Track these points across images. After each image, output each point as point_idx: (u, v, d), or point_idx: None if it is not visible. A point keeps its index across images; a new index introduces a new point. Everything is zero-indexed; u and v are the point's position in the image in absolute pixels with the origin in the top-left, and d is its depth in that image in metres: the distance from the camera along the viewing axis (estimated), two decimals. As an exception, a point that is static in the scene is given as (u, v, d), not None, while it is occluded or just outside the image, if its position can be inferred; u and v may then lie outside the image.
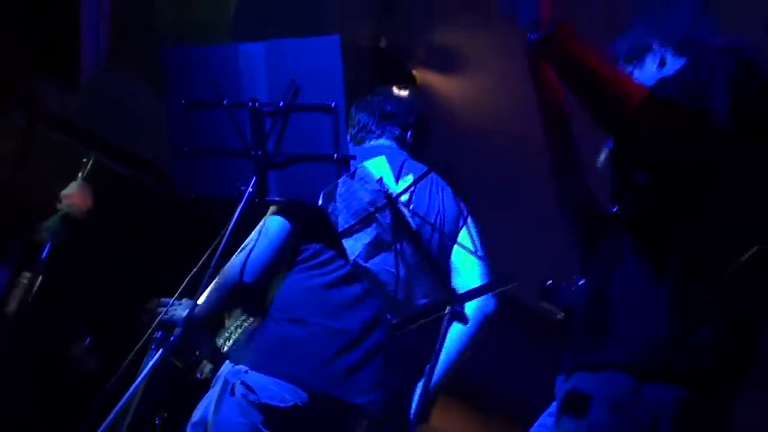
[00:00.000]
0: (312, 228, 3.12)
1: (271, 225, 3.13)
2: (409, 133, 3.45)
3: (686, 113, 2.25)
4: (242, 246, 3.16)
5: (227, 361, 3.11)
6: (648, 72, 2.54)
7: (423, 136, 3.50)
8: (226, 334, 3.21)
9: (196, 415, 3.07)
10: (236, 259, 3.13)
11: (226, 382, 3.02)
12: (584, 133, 2.48)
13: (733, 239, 2.26)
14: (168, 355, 3.32)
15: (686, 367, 2.22)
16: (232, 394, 2.97)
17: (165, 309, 3.18)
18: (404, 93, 3.58)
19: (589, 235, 2.52)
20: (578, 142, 2.52)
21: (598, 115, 2.28)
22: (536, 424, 2.73)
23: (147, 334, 3.18)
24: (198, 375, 3.67)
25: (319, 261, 3.14)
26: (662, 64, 2.53)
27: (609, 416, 2.21)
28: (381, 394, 3.13)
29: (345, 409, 3.08)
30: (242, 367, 3.01)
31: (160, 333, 3.22)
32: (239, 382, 2.99)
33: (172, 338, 3.18)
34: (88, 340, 4.71)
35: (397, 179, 3.23)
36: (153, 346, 3.13)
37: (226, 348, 3.17)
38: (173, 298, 3.16)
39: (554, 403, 2.47)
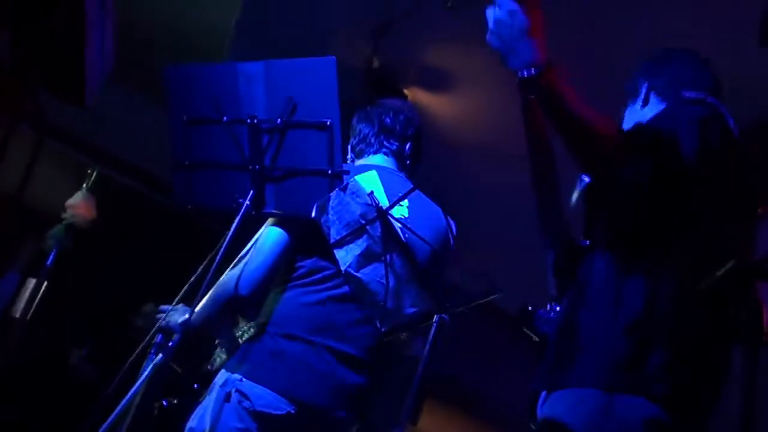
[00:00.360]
0: (309, 243, 3.17)
1: (269, 236, 3.18)
2: (407, 146, 3.49)
3: (653, 154, 2.37)
4: (239, 257, 3.22)
5: (222, 370, 3.18)
6: (633, 109, 2.76)
7: (419, 150, 3.54)
8: (242, 330, 3.26)
9: (193, 421, 3.12)
10: (232, 272, 3.19)
11: (221, 389, 3.08)
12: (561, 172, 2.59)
13: (694, 267, 2.37)
14: (167, 360, 3.41)
15: (649, 386, 2.30)
16: (228, 400, 3.04)
17: (164, 315, 3.25)
18: (403, 106, 3.63)
19: (566, 265, 2.64)
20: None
21: (575, 151, 2.35)
22: None
23: (146, 340, 3.25)
24: (209, 367, 3.75)
25: (315, 279, 3.20)
26: (645, 103, 2.72)
27: None
28: (367, 408, 3.23)
29: (334, 421, 3.16)
30: (237, 376, 3.07)
31: (159, 338, 3.29)
32: (234, 390, 3.05)
33: (170, 344, 3.27)
34: (85, 349, 4.80)
35: (391, 199, 3.24)
36: (152, 351, 3.20)
37: (242, 341, 3.23)
38: (172, 305, 3.23)
39: None
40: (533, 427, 2.59)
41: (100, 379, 5.03)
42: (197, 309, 3.21)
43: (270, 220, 3.22)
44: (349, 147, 3.55)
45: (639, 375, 2.30)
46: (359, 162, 3.47)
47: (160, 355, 3.28)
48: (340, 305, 3.18)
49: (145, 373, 3.21)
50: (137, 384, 3.17)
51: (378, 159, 3.47)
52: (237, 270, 3.16)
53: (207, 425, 3.04)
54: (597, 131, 2.32)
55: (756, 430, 1.96)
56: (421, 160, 3.57)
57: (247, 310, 3.39)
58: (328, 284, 3.20)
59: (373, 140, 3.48)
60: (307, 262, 3.22)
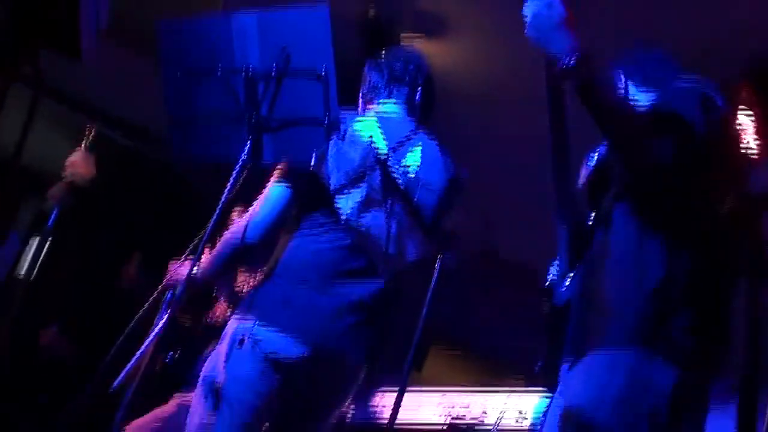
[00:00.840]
0: (314, 196, 3.19)
1: (273, 192, 3.20)
2: (417, 94, 3.47)
3: (673, 134, 2.47)
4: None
5: (232, 318, 3.20)
6: None
7: (431, 97, 3.52)
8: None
9: (206, 370, 3.14)
10: (238, 224, 3.21)
11: (233, 336, 3.11)
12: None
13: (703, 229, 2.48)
14: (174, 314, 3.45)
15: (677, 349, 2.38)
16: (240, 346, 3.06)
17: (172, 271, 3.26)
18: (413, 54, 3.61)
19: (577, 240, 2.68)
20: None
21: (611, 136, 2.45)
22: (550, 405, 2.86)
23: (155, 295, 3.27)
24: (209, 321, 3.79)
25: (322, 230, 3.21)
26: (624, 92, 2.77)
27: (623, 391, 2.36)
28: (374, 355, 3.25)
29: (344, 365, 3.20)
30: (249, 322, 3.09)
31: (169, 294, 3.32)
32: (246, 335, 3.07)
33: (175, 297, 3.31)
34: (55, 326, 4.83)
35: (391, 145, 3.24)
36: (164, 307, 3.22)
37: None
38: (180, 260, 3.24)
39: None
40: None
41: (76, 356, 5.07)
42: (203, 262, 3.24)
43: (274, 178, 3.23)
44: (360, 95, 3.54)
45: (667, 338, 2.38)
46: (369, 110, 3.45)
47: (170, 310, 3.33)
48: (347, 254, 3.18)
49: (156, 328, 3.25)
50: (149, 339, 3.20)
51: (388, 107, 3.45)
52: (243, 221, 3.18)
53: (220, 372, 3.07)
54: (632, 117, 2.43)
55: (762, 362, 1.99)
56: (433, 108, 3.54)
57: (252, 260, 3.43)
58: (335, 234, 3.20)
59: (382, 88, 3.46)
60: (314, 214, 3.23)
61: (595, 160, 2.73)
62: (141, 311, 3.20)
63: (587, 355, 2.46)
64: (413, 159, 3.31)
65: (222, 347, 3.13)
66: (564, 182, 2.59)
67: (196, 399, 3.14)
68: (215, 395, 3.05)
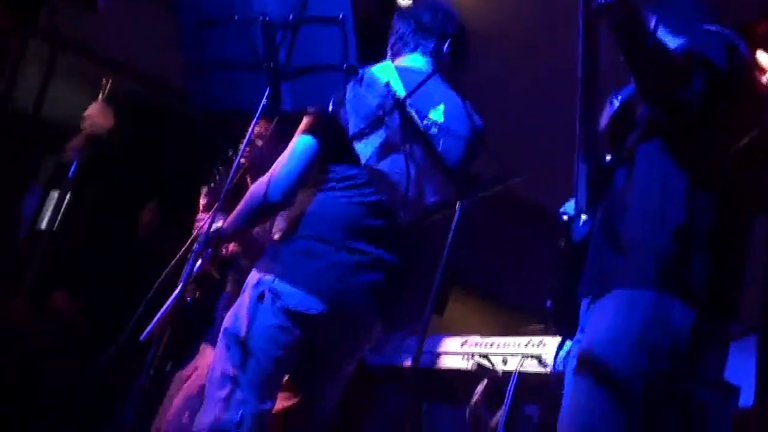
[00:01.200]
0: (339, 149, 3.18)
1: (299, 143, 3.19)
2: (445, 46, 3.41)
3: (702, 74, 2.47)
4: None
5: (254, 271, 3.23)
6: None
7: (461, 49, 3.46)
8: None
9: (228, 322, 3.18)
10: (262, 179, 3.21)
11: (254, 290, 3.14)
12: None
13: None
14: (204, 266, 3.48)
15: (696, 289, 2.39)
16: (261, 301, 3.10)
17: (201, 223, 3.28)
18: (442, 3, 3.53)
19: (597, 178, 2.67)
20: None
21: (642, 67, 2.44)
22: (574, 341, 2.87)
23: (185, 247, 3.30)
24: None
25: (347, 185, 3.21)
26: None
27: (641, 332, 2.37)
28: (389, 308, 3.29)
29: (363, 321, 3.24)
30: (270, 277, 3.12)
31: (198, 246, 3.35)
32: (267, 290, 3.11)
33: (207, 251, 3.35)
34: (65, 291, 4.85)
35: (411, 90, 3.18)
36: (191, 258, 3.25)
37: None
38: (210, 213, 3.24)
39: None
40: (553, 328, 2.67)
41: (86, 320, 5.10)
42: (230, 219, 3.26)
43: (300, 130, 3.22)
44: (388, 46, 3.50)
45: (686, 279, 2.39)
46: (396, 62, 3.41)
47: (199, 261, 3.36)
48: (370, 211, 3.19)
49: (184, 278, 3.29)
50: (177, 290, 3.23)
51: (414, 59, 3.41)
52: (266, 177, 3.18)
53: (243, 325, 3.10)
54: (666, 57, 2.44)
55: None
56: (464, 60, 3.50)
57: (276, 214, 3.44)
58: (360, 191, 3.21)
59: (409, 39, 3.42)
60: (339, 169, 3.23)
61: (619, 101, 2.72)
62: (171, 263, 3.22)
63: (606, 295, 2.47)
64: (437, 108, 3.29)
65: (244, 299, 3.16)
66: (589, 121, 2.57)
67: (218, 350, 3.18)
68: (239, 347, 3.08)
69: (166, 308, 3.30)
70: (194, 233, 3.39)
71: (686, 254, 2.40)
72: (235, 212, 3.28)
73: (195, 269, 3.25)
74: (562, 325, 2.74)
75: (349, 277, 3.14)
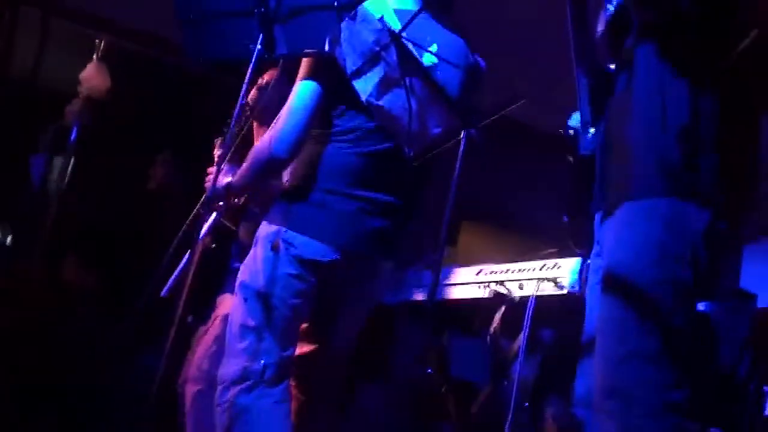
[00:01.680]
0: (343, 93, 3.13)
1: (300, 91, 3.14)
2: None
3: None
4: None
5: (264, 223, 3.23)
6: None
7: None
8: None
9: (243, 274, 3.19)
10: (267, 134, 3.18)
11: (267, 241, 3.15)
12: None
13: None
14: (218, 219, 3.49)
15: (706, 190, 2.33)
16: (276, 250, 3.11)
17: (212, 176, 3.28)
18: None
19: (599, 89, 2.63)
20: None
21: None
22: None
23: (201, 202, 3.30)
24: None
25: (355, 136, 3.19)
26: None
27: (661, 234, 2.33)
28: (397, 250, 3.30)
29: (375, 266, 3.27)
30: (282, 228, 3.13)
31: (210, 199, 3.35)
32: (281, 239, 3.12)
33: (222, 204, 3.35)
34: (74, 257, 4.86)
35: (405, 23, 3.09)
36: (203, 210, 3.25)
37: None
38: (219, 166, 3.23)
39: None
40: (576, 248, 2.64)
41: (100, 287, 5.13)
42: (238, 175, 3.27)
43: (300, 74, 3.16)
44: None
45: (696, 180, 2.33)
46: None
47: (215, 213, 3.37)
48: (376, 160, 3.18)
49: (202, 232, 3.30)
50: (194, 243, 3.25)
51: (404, 2, 3.30)
52: (269, 132, 3.16)
53: (259, 276, 3.12)
54: None
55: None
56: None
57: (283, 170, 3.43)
58: (368, 140, 3.19)
59: None
60: (341, 122, 3.20)
61: (614, 4, 2.65)
62: (189, 219, 3.23)
63: (618, 208, 2.42)
64: (431, 43, 3.24)
65: (257, 252, 3.17)
66: (582, 28, 2.53)
67: (236, 303, 3.20)
68: (257, 298, 3.11)
69: (185, 263, 3.32)
70: (206, 186, 3.38)
71: (693, 156, 2.34)
72: (242, 169, 3.27)
73: (211, 223, 3.27)
74: (580, 239, 2.72)
75: (358, 225, 3.15)
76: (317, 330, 3.32)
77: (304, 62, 3.16)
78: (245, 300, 3.14)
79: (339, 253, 3.12)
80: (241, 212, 4.18)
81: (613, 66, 2.62)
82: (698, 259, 2.32)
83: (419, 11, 3.04)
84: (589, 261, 2.75)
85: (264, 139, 3.18)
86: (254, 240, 3.24)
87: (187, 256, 3.32)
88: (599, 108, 2.60)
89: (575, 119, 2.72)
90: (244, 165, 3.26)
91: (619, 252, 2.39)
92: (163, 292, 3.32)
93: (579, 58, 2.51)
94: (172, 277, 3.38)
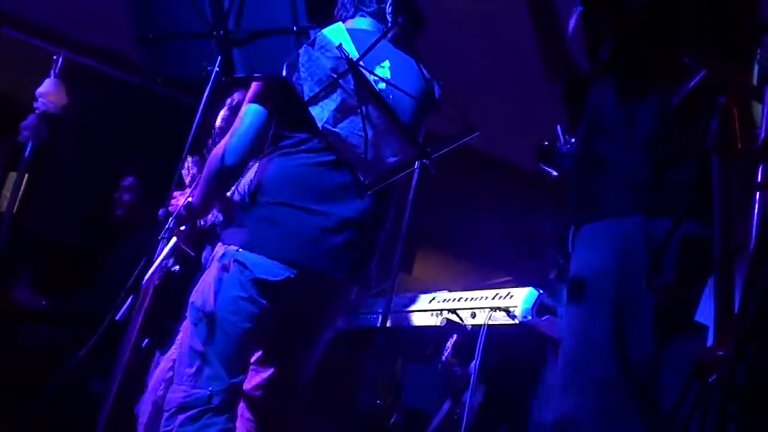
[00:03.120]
0: (292, 113, 3.17)
1: (249, 109, 3.17)
2: (387, 4, 3.36)
3: None
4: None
5: (218, 243, 3.22)
6: None
7: (406, 4, 3.41)
8: None
9: (195, 296, 3.17)
10: (216, 147, 3.20)
11: (219, 262, 3.13)
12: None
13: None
14: (179, 244, 3.46)
15: (678, 203, 2.32)
16: (227, 270, 3.09)
17: (172, 201, 3.27)
18: None
19: (575, 95, 2.63)
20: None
21: None
22: None
23: (161, 225, 3.28)
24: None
25: (303, 148, 3.20)
26: None
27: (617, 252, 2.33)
28: (360, 270, 3.27)
29: (333, 284, 3.21)
30: (233, 248, 3.11)
31: (173, 222, 3.33)
32: (233, 260, 3.09)
33: (183, 228, 3.33)
34: (23, 278, 4.81)
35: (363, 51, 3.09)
36: (165, 235, 3.24)
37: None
38: (175, 190, 3.24)
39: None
40: (562, 262, 2.62)
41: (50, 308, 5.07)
42: (196, 192, 3.27)
43: (247, 99, 3.21)
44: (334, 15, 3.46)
45: (666, 194, 2.33)
46: (347, 24, 3.35)
47: (174, 238, 3.34)
48: (329, 171, 3.18)
49: (161, 255, 3.27)
50: (154, 266, 3.22)
51: (359, 22, 3.38)
52: (221, 144, 3.17)
53: (209, 299, 3.09)
54: None
55: (732, 234, 1.98)
56: (414, 19, 3.45)
57: (234, 180, 3.43)
58: (316, 152, 3.19)
59: (348, 4, 3.40)
60: (294, 133, 3.21)
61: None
62: (153, 243, 3.21)
63: (589, 223, 2.42)
64: (383, 65, 3.26)
65: (209, 274, 3.15)
66: (550, 33, 2.51)
67: (186, 326, 3.17)
68: (206, 321, 3.07)
69: (142, 287, 3.28)
70: (168, 208, 3.36)
71: (660, 172, 2.35)
72: (199, 184, 3.28)
73: (170, 248, 3.24)
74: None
75: (316, 240, 3.12)
76: (273, 355, 3.27)
77: (253, 86, 3.19)
78: (195, 324, 3.10)
79: (293, 271, 3.08)
80: (208, 236, 4.17)
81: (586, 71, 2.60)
82: (666, 268, 2.31)
83: (381, 37, 3.05)
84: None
85: (216, 150, 3.19)
86: (208, 261, 3.21)
87: (145, 280, 3.28)
88: (576, 116, 2.59)
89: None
90: (199, 179, 3.27)
91: (588, 271, 2.39)
92: (118, 316, 3.28)
93: (550, 65, 2.48)
94: (128, 300, 3.34)
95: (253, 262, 3.07)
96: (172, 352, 4.16)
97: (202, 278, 3.20)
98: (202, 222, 3.78)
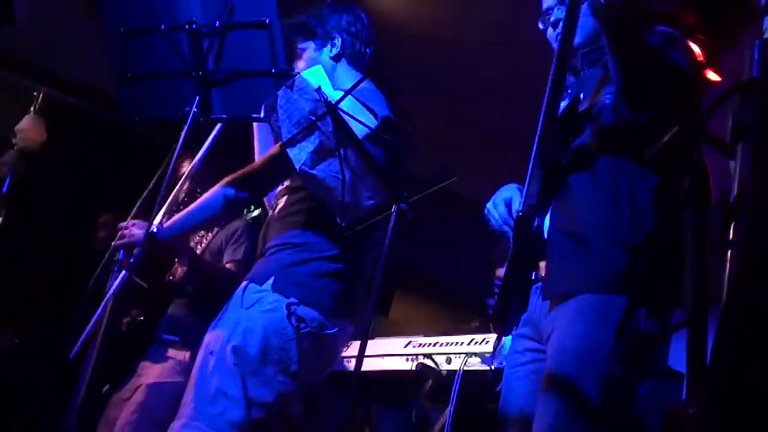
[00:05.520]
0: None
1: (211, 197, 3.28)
2: (368, 50, 3.49)
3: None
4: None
5: (269, 291, 3.16)
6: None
7: (358, 43, 3.48)
8: None
9: (236, 340, 3.07)
10: (216, 188, 3.26)
11: (273, 312, 3.10)
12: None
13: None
14: (132, 275, 3.41)
15: (663, 291, 2.42)
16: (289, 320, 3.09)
17: (122, 230, 3.25)
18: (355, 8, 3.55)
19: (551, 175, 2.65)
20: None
21: (629, 67, 2.40)
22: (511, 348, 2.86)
23: (107, 256, 3.26)
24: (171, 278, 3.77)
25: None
26: None
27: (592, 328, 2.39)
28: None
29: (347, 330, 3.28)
30: (293, 299, 3.11)
31: (122, 254, 3.30)
32: (290, 310, 3.11)
33: (132, 259, 3.27)
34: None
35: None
36: (116, 268, 3.21)
37: None
38: (130, 220, 3.22)
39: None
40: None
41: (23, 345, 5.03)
42: (172, 222, 3.24)
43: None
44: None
45: (657, 283, 2.42)
46: None
47: (124, 271, 3.29)
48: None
49: (112, 290, 3.23)
50: (104, 301, 3.18)
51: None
52: (233, 176, 3.27)
53: (255, 344, 3.06)
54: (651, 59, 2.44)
55: (707, 292, 1.99)
56: (362, 53, 3.51)
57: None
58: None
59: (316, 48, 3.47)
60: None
61: (569, 94, 2.71)
62: (94, 275, 3.18)
63: (571, 299, 2.46)
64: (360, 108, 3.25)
65: (255, 316, 3.11)
66: (552, 112, 2.52)
67: (215, 364, 3.05)
68: (249, 364, 3.03)
69: (93, 323, 3.23)
70: (116, 240, 3.32)
71: (658, 259, 2.41)
72: (183, 216, 3.28)
73: (119, 281, 3.19)
74: (504, 321, 2.70)
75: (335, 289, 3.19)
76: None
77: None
78: (235, 364, 3.04)
79: (342, 322, 3.17)
80: (176, 288, 4.15)
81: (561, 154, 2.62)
82: (647, 356, 2.39)
83: (360, 80, 3.06)
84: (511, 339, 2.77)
85: (214, 190, 3.24)
86: (240, 300, 3.17)
87: (94, 317, 3.24)
88: (548, 193, 2.60)
89: (502, 196, 2.73)
90: (186, 212, 3.26)
91: (572, 345, 2.41)
92: (71, 355, 3.22)
93: (542, 138, 2.48)
94: (81, 338, 3.28)
95: (311, 317, 3.11)
96: (134, 392, 4.11)
97: (234, 317, 3.13)
98: (170, 276, 3.76)
